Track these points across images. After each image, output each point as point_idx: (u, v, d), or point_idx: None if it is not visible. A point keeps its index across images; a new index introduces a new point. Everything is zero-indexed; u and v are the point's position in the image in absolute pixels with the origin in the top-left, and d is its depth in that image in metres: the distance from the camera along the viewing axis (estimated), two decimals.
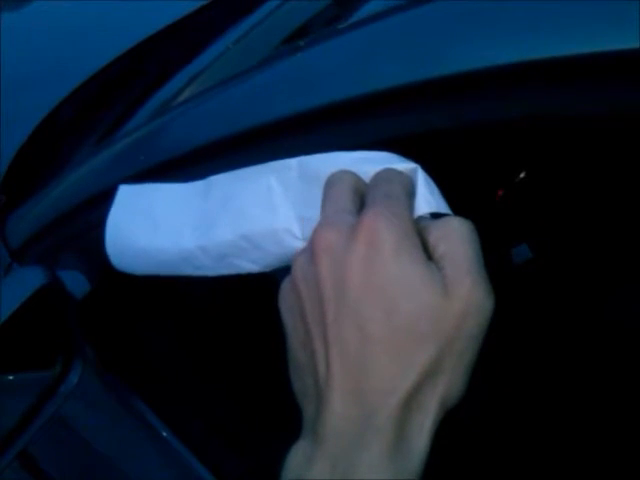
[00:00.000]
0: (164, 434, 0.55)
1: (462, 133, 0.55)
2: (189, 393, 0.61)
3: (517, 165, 0.82)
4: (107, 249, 0.46)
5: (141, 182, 0.54)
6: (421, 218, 0.31)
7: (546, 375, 0.78)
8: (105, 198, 0.49)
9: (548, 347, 0.79)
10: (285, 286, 0.31)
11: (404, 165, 0.33)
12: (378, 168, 0.33)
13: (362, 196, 0.32)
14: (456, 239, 0.29)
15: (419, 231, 0.29)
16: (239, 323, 0.61)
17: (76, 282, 0.56)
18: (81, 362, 0.53)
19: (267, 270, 0.38)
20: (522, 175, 0.83)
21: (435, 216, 0.31)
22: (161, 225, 0.42)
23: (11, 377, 0.54)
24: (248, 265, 0.38)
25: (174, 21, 0.95)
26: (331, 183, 0.33)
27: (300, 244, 0.35)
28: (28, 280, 0.53)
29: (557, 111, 0.39)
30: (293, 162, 0.37)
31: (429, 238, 0.29)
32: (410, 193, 0.31)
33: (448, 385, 0.27)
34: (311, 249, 0.29)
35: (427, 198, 0.31)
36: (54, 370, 0.54)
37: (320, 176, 0.34)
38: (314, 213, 0.33)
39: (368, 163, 0.34)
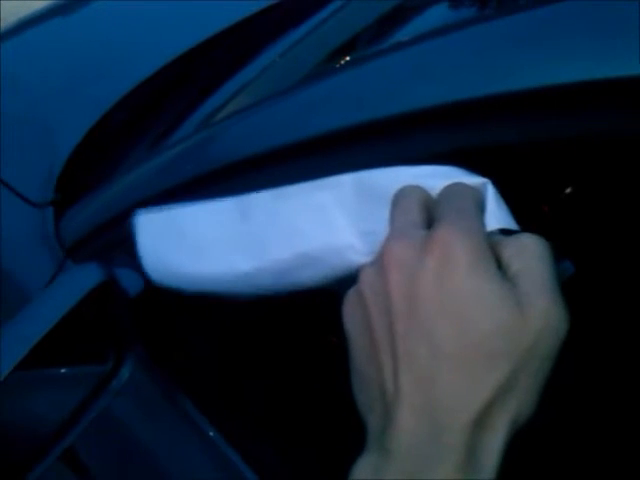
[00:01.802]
0: (211, 434, 0.56)
1: (508, 148, 0.55)
2: (237, 394, 0.62)
3: (563, 181, 0.81)
4: (150, 276, 0.46)
5: (187, 192, 0.54)
6: (491, 234, 0.30)
7: (593, 393, 0.76)
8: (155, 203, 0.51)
9: (591, 364, 0.78)
10: (350, 298, 0.31)
11: (473, 180, 0.33)
12: (445, 183, 0.33)
13: (431, 211, 0.32)
14: (531, 256, 0.28)
15: (492, 247, 0.29)
16: (289, 326, 0.61)
17: (130, 280, 0.57)
18: (133, 359, 0.54)
19: (326, 286, 0.38)
20: (568, 191, 0.82)
21: (504, 232, 0.31)
22: (204, 249, 0.42)
23: (64, 370, 0.55)
24: (308, 281, 0.38)
25: (224, 30, 0.97)
26: (399, 197, 0.33)
27: (363, 259, 0.35)
28: (86, 276, 0.54)
29: (613, 131, 0.39)
30: (347, 178, 0.37)
31: (503, 255, 0.29)
32: (481, 208, 0.31)
33: (520, 404, 0.27)
34: (381, 262, 0.29)
35: (496, 214, 0.31)
36: (106, 366, 0.55)
37: (379, 191, 0.34)
38: (374, 228, 0.34)
39: (433, 178, 0.34)
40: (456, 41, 0.46)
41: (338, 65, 0.79)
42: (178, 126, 0.79)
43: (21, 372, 0.49)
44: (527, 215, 0.88)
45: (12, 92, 0.85)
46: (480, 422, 0.26)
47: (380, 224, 0.33)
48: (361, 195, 0.36)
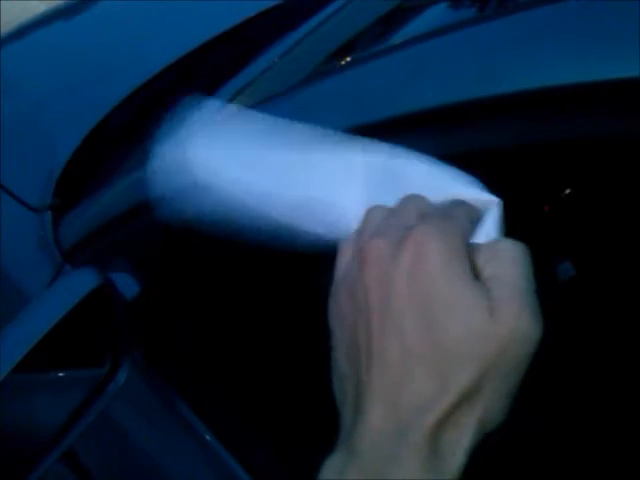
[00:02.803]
0: (207, 437, 0.56)
1: (509, 149, 0.55)
2: (234, 398, 0.62)
3: (564, 181, 0.81)
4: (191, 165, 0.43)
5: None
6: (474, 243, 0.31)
7: (590, 393, 0.76)
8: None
9: (590, 366, 0.78)
10: (336, 292, 0.31)
11: (486, 196, 0.33)
12: (460, 191, 0.33)
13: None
14: (506, 261, 0.28)
15: (469, 251, 0.29)
16: (286, 327, 0.61)
17: (126, 284, 0.58)
18: (129, 362, 0.55)
19: (327, 237, 0.37)
20: (568, 191, 0.82)
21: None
22: (240, 155, 0.41)
23: (62, 374, 0.56)
24: (313, 225, 0.38)
25: (222, 33, 0.97)
26: (402, 200, 0.33)
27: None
28: (82, 281, 0.54)
29: (612, 132, 0.39)
30: (382, 158, 0.37)
31: (479, 258, 0.29)
32: (472, 220, 0.31)
33: (487, 408, 0.27)
34: (359, 257, 0.29)
35: (489, 232, 0.31)
36: (103, 369, 0.55)
37: (404, 176, 0.35)
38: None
39: (455, 183, 0.34)
40: (456, 42, 0.46)
41: (337, 66, 0.79)
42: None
43: (18, 375, 0.50)
44: (528, 215, 0.88)
45: (11, 96, 0.85)
46: (444, 423, 0.26)
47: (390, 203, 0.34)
48: (387, 173, 0.36)
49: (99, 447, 0.63)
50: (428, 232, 0.28)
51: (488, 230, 0.32)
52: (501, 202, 0.33)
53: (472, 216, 0.31)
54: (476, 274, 0.28)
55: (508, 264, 0.28)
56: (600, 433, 0.76)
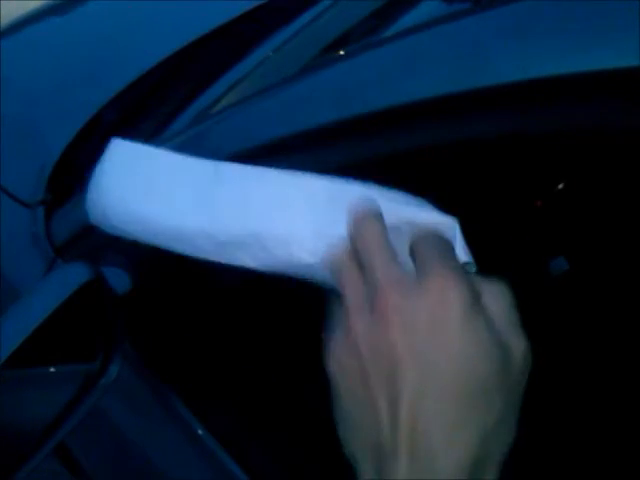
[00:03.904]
0: (199, 432, 0.56)
1: (501, 143, 0.55)
2: (226, 392, 0.62)
3: (556, 176, 0.81)
4: (88, 201, 0.44)
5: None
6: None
7: (583, 388, 0.76)
8: None
9: (584, 360, 0.78)
10: (337, 346, 0.30)
11: (442, 218, 0.34)
12: (417, 213, 0.34)
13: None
14: (505, 300, 0.31)
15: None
16: (280, 324, 0.61)
17: (118, 279, 0.57)
18: (121, 357, 0.54)
19: (266, 271, 0.38)
20: (561, 186, 0.82)
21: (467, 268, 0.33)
22: (161, 193, 0.41)
23: (53, 369, 0.56)
24: (250, 261, 0.38)
25: (216, 27, 0.97)
26: (370, 229, 0.33)
27: (310, 259, 0.35)
28: (72, 275, 0.54)
29: (605, 125, 0.39)
30: (323, 182, 0.37)
31: (483, 297, 0.30)
32: (453, 250, 0.32)
33: (509, 432, 0.29)
34: (376, 309, 0.29)
35: (464, 250, 0.33)
36: (94, 364, 0.55)
37: (349, 204, 0.35)
38: (330, 233, 0.34)
39: (405, 206, 0.34)
40: (447, 34, 0.46)
41: (330, 59, 0.78)
42: (169, 125, 0.79)
43: (8, 370, 0.50)
44: (520, 210, 0.88)
45: (3, 92, 0.85)
46: (479, 458, 0.28)
47: (337, 231, 0.34)
48: (331, 201, 0.36)
49: (91, 442, 0.63)
50: (445, 280, 0.29)
51: (463, 251, 0.33)
52: (458, 222, 0.34)
53: (451, 246, 0.32)
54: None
55: (508, 303, 0.31)
56: (594, 426, 0.76)
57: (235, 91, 0.81)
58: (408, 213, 0.34)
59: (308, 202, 0.36)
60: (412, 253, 0.32)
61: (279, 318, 0.65)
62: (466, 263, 0.33)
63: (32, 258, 0.68)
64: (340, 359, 0.30)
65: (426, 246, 0.32)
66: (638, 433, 0.71)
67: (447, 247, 0.32)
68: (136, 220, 0.42)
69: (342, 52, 0.83)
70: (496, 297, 0.31)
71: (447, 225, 0.34)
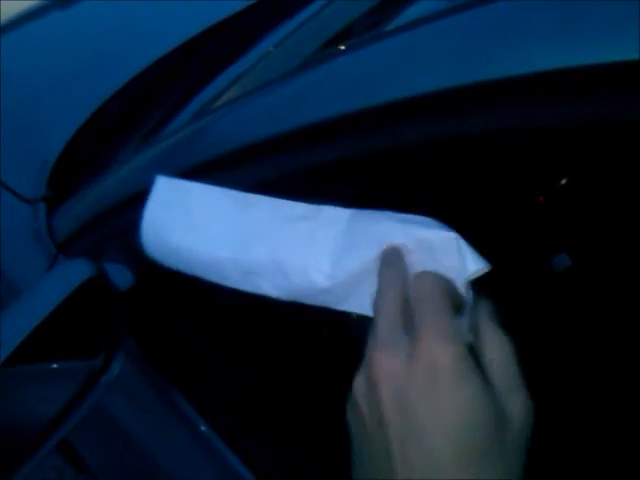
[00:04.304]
0: (202, 428, 0.56)
1: (504, 138, 0.54)
2: (228, 388, 0.62)
3: (559, 171, 0.80)
4: (143, 238, 0.47)
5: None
6: (469, 328, 0.32)
7: (586, 385, 0.76)
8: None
9: (586, 357, 0.78)
10: (350, 402, 0.32)
11: (443, 234, 0.35)
12: (424, 233, 0.35)
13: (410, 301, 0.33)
14: (507, 355, 0.31)
15: (473, 343, 0.31)
16: (282, 320, 0.61)
17: (120, 275, 0.57)
18: (123, 353, 0.54)
19: (287, 299, 0.40)
20: (563, 182, 0.81)
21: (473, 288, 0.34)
22: (197, 226, 0.44)
23: (55, 365, 0.56)
24: (270, 289, 0.40)
25: (218, 22, 0.96)
26: (381, 292, 0.34)
27: (326, 284, 0.37)
28: (75, 272, 0.54)
29: (607, 120, 0.39)
30: (346, 213, 0.39)
31: (483, 351, 0.31)
32: (453, 298, 0.32)
33: None
34: (369, 373, 0.30)
35: (469, 265, 0.34)
36: (97, 360, 0.55)
37: (366, 232, 0.37)
38: (348, 260, 0.37)
39: (416, 227, 0.36)
40: (447, 28, 0.45)
41: (330, 53, 0.78)
42: (171, 120, 0.79)
43: (11, 367, 0.50)
44: (523, 206, 0.87)
45: (4, 88, 0.85)
46: None
47: (355, 259, 0.37)
48: (350, 229, 0.38)
49: (95, 438, 0.63)
50: (435, 344, 0.29)
51: (469, 265, 0.34)
52: (458, 236, 0.35)
53: (450, 296, 0.32)
54: (481, 365, 0.30)
55: (510, 358, 0.31)
56: (595, 422, 0.76)
57: (237, 86, 0.81)
58: (412, 231, 0.36)
59: (326, 232, 0.39)
60: (410, 308, 0.32)
61: (281, 315, 0.65)
62: (477, 270, 0.34)
63: (34, 254, 0.68)
64: (351, 409, 0.32)
65: (422, 303, 0.32)
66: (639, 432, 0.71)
67: (441, 304, 0.32)
68: (179, 252, 0.45)
69: (343, 47, 0.83)
70: (497, 351, 0.31)
71: (447, 240, 0.35)
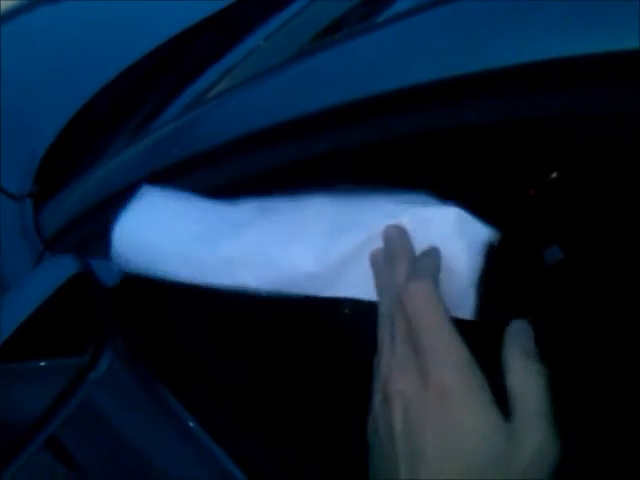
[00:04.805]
0: (190, 424, 0.55)
1: (493, 131, 0.54)
2: (217, 385, 0.62)
3: (550, 164, 0.80)
4: (114, 244, 0.47)
5: (173, 175, 0.53)
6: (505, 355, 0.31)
7: (582, 380, 0.76)
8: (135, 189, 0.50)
9: (580, 350, 0.77)
10: (370, 418, 0.33)
11: (443, 209, 0.35)
12: (421, 210, 0.35)
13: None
14: (534, 384, 0.30)
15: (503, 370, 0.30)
16: (274, 316, 0.61)
17: (107, 271, 0.57)
18: (111, 350, 0.54)
19: (267, 292, 0.39)
20: (554, 175, 0.81)
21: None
22: (175, 232, 0.44)
23: (43, 363, 0.55)
24: (252, 280, 0.39)
25: (208, 16, 0.95)
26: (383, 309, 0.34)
27: (314, 268, 0.36)
28: (60, 268, 0.53)
29: (599, 112, 0.38)
30: (334, 199, 0.39)
31: (508, 377, 0.30)
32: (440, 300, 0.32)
33: None
34: (385, 386, 0.31)
35: (477, 232, 0.33)
36: (84, 357, 0.54)
37: (357, 214, 0.37)
38: (336, 248, 0.36)
39: (410, 206, 0.36)
40: (439, 18, 0.45)
41: (322, 44, 0.77)
42: (161, 112, 0.78)
43: None
44: (514, 200, 0.87)
45: None
46: None
47: (345, 242, 0.36)
48: (340, 212, 0.38)
49: (83, 435, 0.63)
50: (447, 371, 0.29)
51: (475, 234, 0.33)
52: (459, 209, 0.34)
53: (449, 318, 0.32)
54: (504, 392, 0.30)
55: (536, 389, 0.30)
56: (594, 421, 0.76)
57: (227, 79, 0.80)
58: (410, 209, 0.35)
59: (312, 221, 0.38)
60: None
61: (273, 310, 0.64)
62: (487, 240, 0.34)
63: (21, 251, 0.67)
64: (370, 424, 0.33)
65: (420, 318, 0.31)
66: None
67: (440, 311, 0.31)
68: (152, 258, 0.45)
69: (335, 37, 0.82)
70: (527, 383, 0.30)
71: (448, 214, 0.34)
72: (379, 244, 0.36)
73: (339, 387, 0.62)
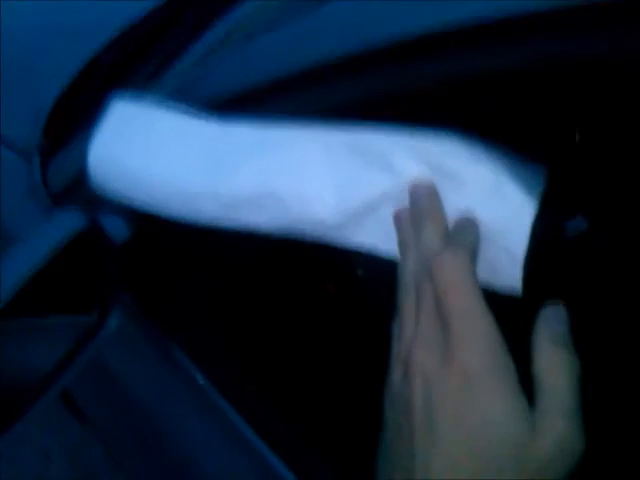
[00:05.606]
0: (201, 382, 0.55)
1: (512, 82, 0.51)
2: (226, 342, 0.61)
3: (573, 123, 0.76)
4: (89, 166, 0.42)
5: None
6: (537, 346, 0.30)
7: (601, 362, 0.74)
8: None
9: (600, 328, 0.75)
10: (387, 392, 0.32)
11: (477, 169, 0.32)
12: (450, 164, 0.32)
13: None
14: (562, 374, 0.28)
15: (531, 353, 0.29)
16: (284, 273, 0.60)
17: (116, 228, 0.55)
18: (120, 307, 0.53)
19: (276, 234, 0.36)
20: (577, 138, 0.77)
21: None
22: (160, 153, 0.38)
23: (52, 319, 0.54)
24: (261, 224, 0.36)
25: None
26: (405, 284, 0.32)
27: (329, 213, 0.33)
28: (68, 224, 0.52)
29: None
30: (340, 132, 0.34)
31: (535, 363, 0.29)
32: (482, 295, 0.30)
33: None
34: (405, 368, 0.30)
35: (516, 216, 0.31)
36: (93, 315, 0.54)
37: (371, 156, 0.33)
38: (353, 188, 0.32)
39: (430, 146, 0.33)
40: None
41: None
42: (166, 69, 0.76)
43: (5, 319, 0.48)
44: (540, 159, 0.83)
45: None
46: None
47: (362, 187, 0.32)
48: (352, 154, 0.34)
49: (94, 392, 0.63)
50: (470, 350, 0.28)
51: (522, 210, 0.31)
52: (499, 171, 0.31)
53: (480, 291, 0.30)
54: (531, 378, 0.29)
55: (563, 378, 0.28)
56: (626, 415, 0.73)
57: (234, 33, 0.77)
58: (435, 160, 0.32)
59: (327, 157, 0.34)
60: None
61: (284, 266, 0.63)
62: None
63: (28, 208, 0.66)
64: (387, 395, 0.32)
65: (450, 296, 0.30)
66: None
67: (473, 289, 0.30)
68: (136, 183, 0.40)
69: None
70: (554, 371, 0.29)
71: (484, 179, 0.32)
72: (405, 196, 0.32)
73: (351, 349, 0.61)
